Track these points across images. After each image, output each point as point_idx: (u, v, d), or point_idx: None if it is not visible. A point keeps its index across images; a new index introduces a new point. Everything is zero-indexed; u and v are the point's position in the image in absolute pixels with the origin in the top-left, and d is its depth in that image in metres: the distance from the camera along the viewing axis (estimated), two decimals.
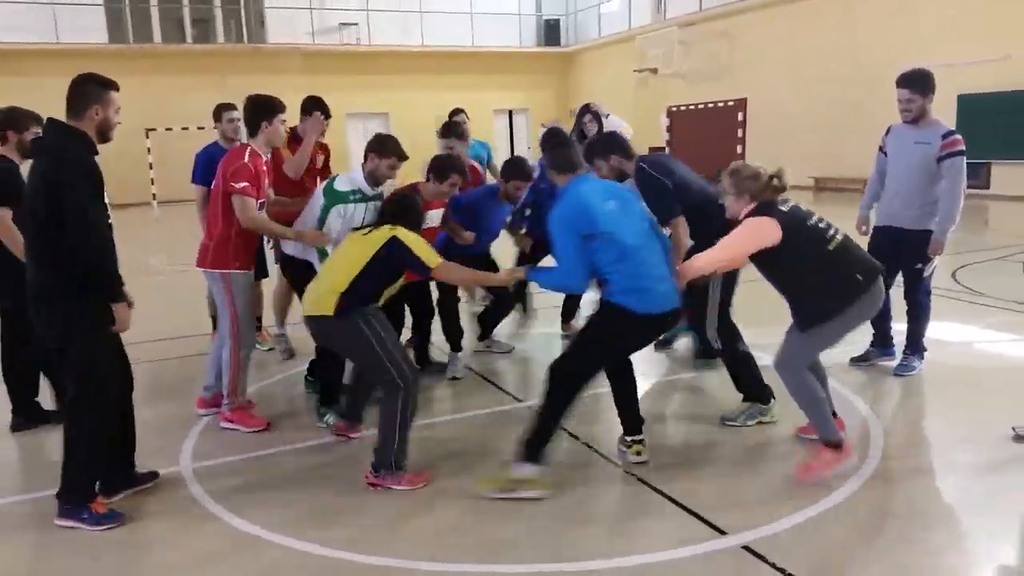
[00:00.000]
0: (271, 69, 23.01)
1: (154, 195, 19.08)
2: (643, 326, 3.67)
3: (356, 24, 25.06)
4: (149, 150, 18.76)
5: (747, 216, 3.67)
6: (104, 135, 3.44)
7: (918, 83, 4.86)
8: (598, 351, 3.75)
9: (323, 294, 3.78)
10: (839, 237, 3.64)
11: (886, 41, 16.94)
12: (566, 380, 3.67)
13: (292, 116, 4.76)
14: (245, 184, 4.23)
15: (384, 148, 4.47)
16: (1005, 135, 15.26)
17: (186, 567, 3.16)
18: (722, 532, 3.21)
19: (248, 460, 4.14)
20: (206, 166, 5.78)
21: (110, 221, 3.48)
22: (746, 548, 3.08)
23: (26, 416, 4.67)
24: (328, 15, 24.86)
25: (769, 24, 20.26)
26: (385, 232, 3.81)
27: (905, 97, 4.88)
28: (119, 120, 3.50)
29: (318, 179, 5.71)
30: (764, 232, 3.58)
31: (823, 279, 3.59)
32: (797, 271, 3.62)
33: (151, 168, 18.77)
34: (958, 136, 4.83)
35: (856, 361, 5.27)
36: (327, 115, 5.20)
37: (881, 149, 5.21)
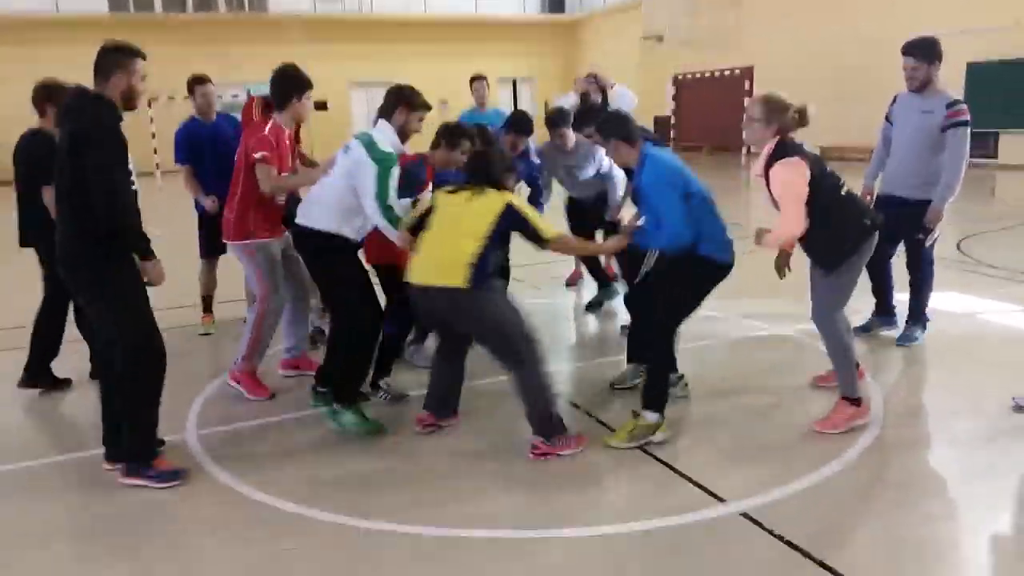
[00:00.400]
0: (273, 38, 22.82)
1: (157, 165, 19.04)
2: (722, 274, 3.85)
3: None
4: (152, 120, 18.67)
5: (770, 155, 3.70)
6: (129, 102, 3.46)
7: (923, 50, 4.81)
8: (689, 301, 3.89)
9: (449, 264, 3.55)
10: (845, 185, 3.83)
11: (895, 8, 16.70)
12: (667, 333, 3.89)
13: None
14: (265, 153, 4.25)
15: (413, 101, 4.13)
16: (1014, 104, 15.09)
17: (193, 533, 3.22)
18: (721, 500, 3.25)
19: (253, 428, 4.19)
20: (186, 143, 5.74)
21: (135, 187, 3.51)
22: (745, 515, 3.11)
23: (37, 377, 4.75)
24: None
25: None
26: (497, 199, 3.63)
27: (910, 65, 4.84)
28: (144, 88, 3.52)
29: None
30: (800, 172, 3.64)
31: (841, 218, 3.74)
32: (819, 211, 3.68)
33: (153, 138, 18.68)
34: (963, 106, 4.78)
35: (858, 331, 5.24)
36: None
37: (887, 118, 5.17)
